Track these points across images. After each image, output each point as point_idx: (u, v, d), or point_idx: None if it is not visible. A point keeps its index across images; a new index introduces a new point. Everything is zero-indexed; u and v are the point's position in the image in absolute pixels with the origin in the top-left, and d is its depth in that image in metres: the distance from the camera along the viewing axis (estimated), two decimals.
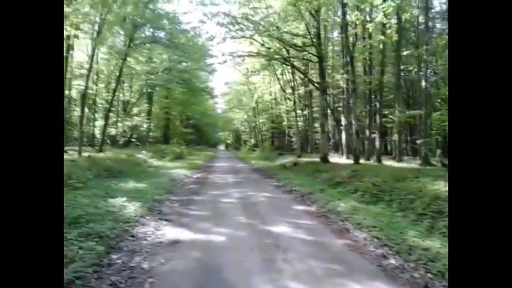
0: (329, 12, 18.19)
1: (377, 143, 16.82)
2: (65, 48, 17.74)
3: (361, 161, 14.19)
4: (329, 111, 21.73)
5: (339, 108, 23.43)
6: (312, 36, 16.41)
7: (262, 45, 18.29)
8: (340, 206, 6.40)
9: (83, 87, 16.98)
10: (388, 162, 15.40)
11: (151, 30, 20.41)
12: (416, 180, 7.34)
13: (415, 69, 20.66)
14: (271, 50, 18.36)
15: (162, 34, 19.93)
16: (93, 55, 17.06)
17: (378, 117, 17.81)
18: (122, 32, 18.91)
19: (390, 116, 19.48)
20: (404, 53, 19.07)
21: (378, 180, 8.08)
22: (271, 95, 32.86)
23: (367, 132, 18.25)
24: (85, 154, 12.59)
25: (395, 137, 18.35)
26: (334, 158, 16.99)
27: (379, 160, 15.46)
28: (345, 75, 16.24)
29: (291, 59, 19.59)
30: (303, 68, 23.10)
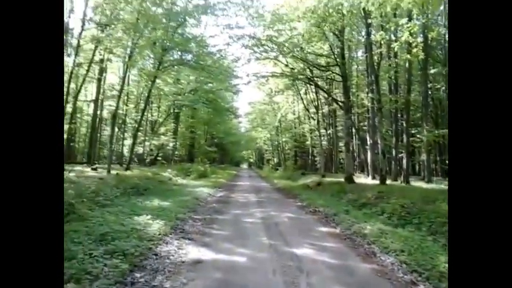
0: (353, 32, 18.25)
1: (404, 163, 16.29)
2: (97, 71, 18.83)
3: (388, 181, 13.75)
4: (354, 130, 21.45)
5: (364, 127, 23.06)
6: (335, 56, 16.47)
7: (286, 65, 18.54)
8: (366, 228, 6.18)
9: (114, 108, 17.77)
10: (416, 183, 14.82)
11: (179, 53, 21.25)
12: (446, 202, 7.01)
13: (443, 88, 20.09)
14: (295, 70, 18.57)
15: (189, 57, 20.65)
16: (124, 77, 17.89)
17: (404, 136, 17.34)
18: (151, 55, 19.80)
19: (418, 136, 18.89)
20: (432, 71, 18.64)
21: (405, 201, 7.79)
22: (294, 114, 32.93)
23: (394, 151, 17.76)
24: (113, 172, 13.02)
25: (424, 156, 17.69)
26: (360, 178, 16.58)
27: (407, 181, 14.91)
28: (369, 94, 16.06)
29: (315, 79, 19.69)
30: (326, 87, 23.10)
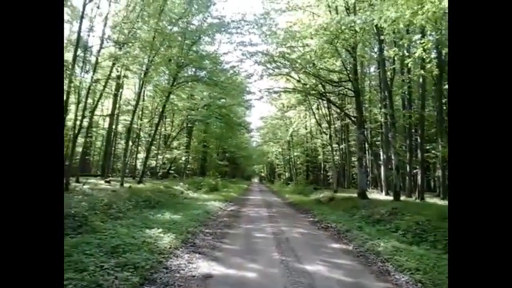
0: (366, 48, 18.31)
1: (419, 179, 15.96)
2: (114, 87, 19.35)
3: (402, 197, 13.46)
4: (367, 145, 21.22)
5: (377, 142, 22.80)
6: (348, 71, 16.50)
7: (299, 81, 18.65)
8: (380, 245, 6.05)
9: (129, 122, 18.13)
10: (431, 199, 14.46)
11: (193, 69, 21.72)
12: None
13: None
14: (307, 85, 18.64)
15: (203, 73, 21.07)
16: (140, 93, 18.32)
17: (419, 152, 17.06)
18: (166, 72, 20.28)
19: (433, 151, 18.54)
20: (446, 86, 18.43)
21: (420, 218, 7.60)
22: (306, 128, 32.88)
23: (408, 167, 17.44)
24: (126, 185, 13.18)
25: (439, 172, 17.31)
26: (373, 194, 16.29)
27: (421, 197, 14.57)
28: (383, 109, 15.96)
29: (327, 94, 19.70)
30: (339, 102, 23.05)
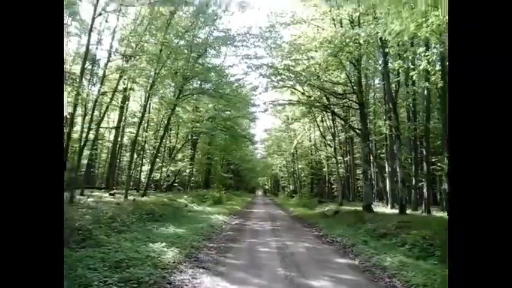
0: (370, 61, 18.42)
1: (425, 192, 15.76)
2: (120, 99, 19.59)
3: (408, 211, 13.28)
4: (371, 157, 21.09)
5: (381, 155, 22.67)
6: (352, 84, 16.57)
7: (303, 93, 18.74)
8: (386, 260, 5.95)
9: (134, 135, 18.27)
10: (438, 213, 14.25)
11: (199, 82, 21.94)
12: None
13: None
14: (312, 98, 18.72)
15: (208, 85, 21.26)
16: (145, 105, 18.52)
17: (424, 164, 16.91)
18: (172, 84, 20.51)
19: (439, 164, 18.37)
20: None
21: (428, 232, 7.46)
22: (310, 141, 32.84)
23: (414, 180, 17.26)
24: (130, 197, 13.19)
25: (445, 185, 17.10)
26: (378, 207, 16.10)
27: (428, 211, 14.36)
28: (387, 122, 15.91)
29: (332, 106, 19.76)
30: (343, 114, 23.06)
